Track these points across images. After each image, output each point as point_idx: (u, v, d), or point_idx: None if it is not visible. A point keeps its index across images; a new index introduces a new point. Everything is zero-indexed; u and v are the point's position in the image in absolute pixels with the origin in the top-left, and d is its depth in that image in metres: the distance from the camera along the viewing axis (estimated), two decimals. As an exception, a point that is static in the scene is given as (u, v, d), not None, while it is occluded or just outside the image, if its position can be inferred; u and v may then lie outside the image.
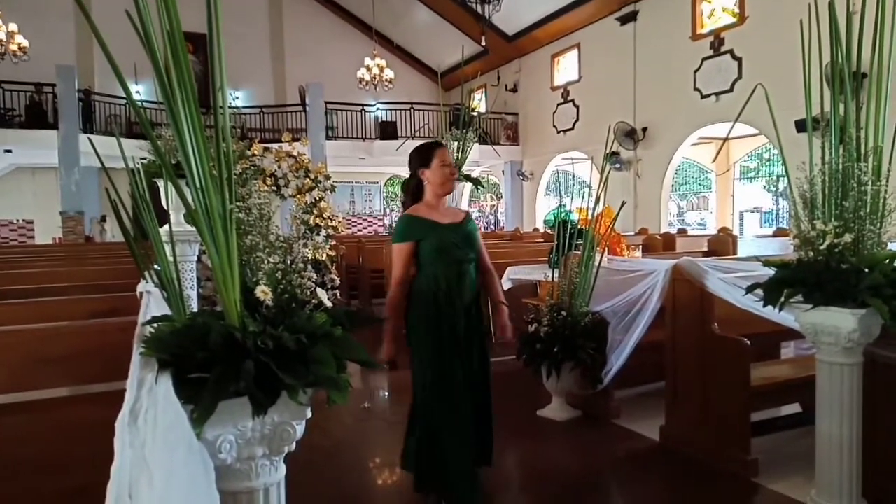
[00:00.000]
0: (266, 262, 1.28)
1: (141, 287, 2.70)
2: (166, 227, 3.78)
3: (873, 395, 2.56)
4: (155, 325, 1.41)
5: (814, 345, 2.56)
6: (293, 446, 1.41)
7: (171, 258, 1.68)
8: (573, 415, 4.21)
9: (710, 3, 11.42)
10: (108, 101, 14.30)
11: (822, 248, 2.39)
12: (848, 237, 2.37)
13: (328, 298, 1.40)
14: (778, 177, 13.27)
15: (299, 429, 1.39)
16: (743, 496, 3.06)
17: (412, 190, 2.96)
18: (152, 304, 2.02)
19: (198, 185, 1.29)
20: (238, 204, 1.31)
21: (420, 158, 2.91)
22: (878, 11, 2.43)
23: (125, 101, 13.46)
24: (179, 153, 1.30)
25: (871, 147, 2.48)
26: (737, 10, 10.80)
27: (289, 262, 1.33)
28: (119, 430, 0.77)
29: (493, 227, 19.76)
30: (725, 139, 12.36)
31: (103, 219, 14.29)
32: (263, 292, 1.26)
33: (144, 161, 3.37)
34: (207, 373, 1.24)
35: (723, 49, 10.96)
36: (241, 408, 1.28)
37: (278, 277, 1.30)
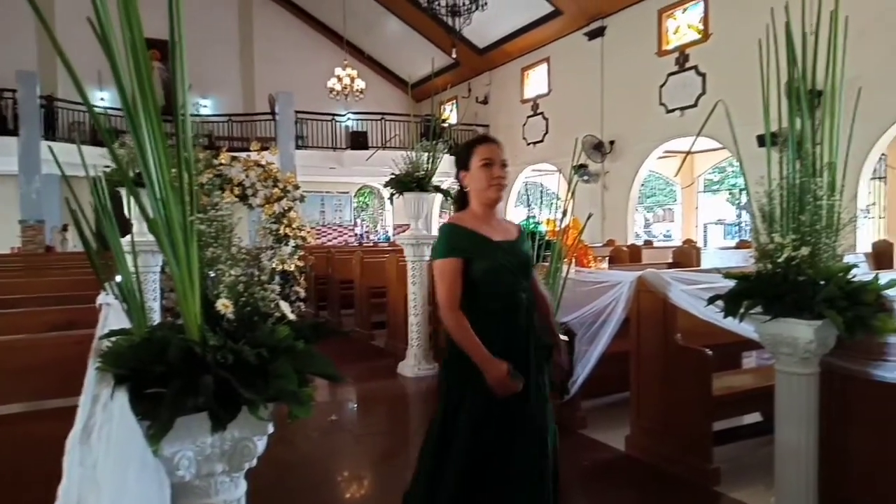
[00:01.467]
0: (228, 274, 1.26)
1: (100, 299, 2.63)
2: (129, 237, 3.71)
3: (830, 404, 2.62)
4: (112, 338, 1.38)
5: (773, 355, 2.62)
6: (254, 462, 1.39)
7: (132, 269, 1.65)
8: (541, 425, 4.22)
9: (675, 19, 11.70)
10: (72, 108, 13.98)
11: (780, 260, 2.46)
12: (805, 250, 2.43)
13: (292, 311, 1.39)
14: (740, 189, 13.59)
15: (260, 444, 1.37)
16: (705, 505, 3.11)
17: (458, 200, 2.42)
18: (111, 316, 1.97)
19: (158, 195, 1.27)
20: (199, 215, 1.29)
21: (459, 159, 2.37)
22: (832, 33, 2.52)
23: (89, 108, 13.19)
24: (139, 163, 1.28)
25: (826, 163, 2.57)
26: (701, 27, 11.08)
27: (252, 273, 1.31)
28: (69, 449, 0.75)
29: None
30: (687, 153, 12.65)
31: (65, 228, 13.93)
32: (224, 305, 1.24)
33: (108, 169, 3.30)
34: (166, 388, 1.22)
35: (687, 65, 11.23)
36: (200, 423, 1.25)
37: (240, 290, 1.28)
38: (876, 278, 2.51)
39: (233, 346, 1.21)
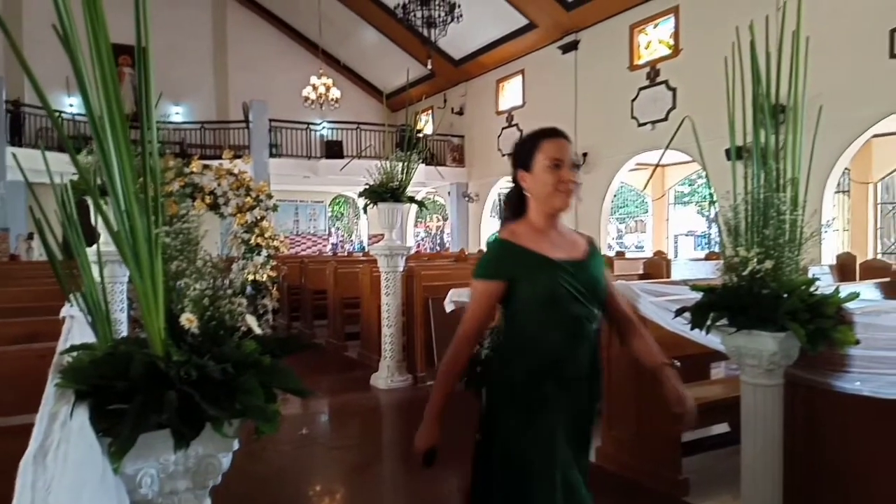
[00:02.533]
0: (192, 288, 1.25)
1: (64, 311, 2.58)
2: (96, 246, 3.63)
3: (794, 415, 2.68)
4: (74, 353, 1.35)
5: (738, 366, 2.67)
6: (219, 479, 1.37)
7: (98, 280, 1.62)
8: (513, 437, 4.22)
9: (646, 35, 11.93)
10: (39, 114, 13.70)
11: (744, 273, 2.51)
12: (768, 263, 2.49)
13: (259, 325, 1.37)
14: (710, 202, 13.85)
15: (225, 461, 1.35)
16: (675, 515, 3.15)
17: (513, 203, 1.98)
18: (75, 329, 1.93)
19: (122, 207, 1.25)
20: (165, 228, 1.27)
21: (518, 156, 1.94)
22: (794, 52, 2.60)
23: (58, 113, 12.93)
24: (103, 173, 1.26)
25: (790, 178, 2.63)
26: (672, 43, 11.32)
27: (218, 286, 1.30)
28: (22, 470, 0.73)
29: (438, 248, 19.82)
30: (655, 167, 12.86)
31: (30, 236, 13.60)
32: (188, 320, 1.22)
33: (75, 177, 3.24)
34: (128, 404, 1.20)
35: (658, 80, 11.44)
36: (164, 440, 1.23)
37: (205, 304, 1.27)
38: (836, 291, 2.57)
39: (197, 361, 1.19)
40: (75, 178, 3.19)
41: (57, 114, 12.97)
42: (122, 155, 1.27)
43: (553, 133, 1.91)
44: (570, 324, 1.83)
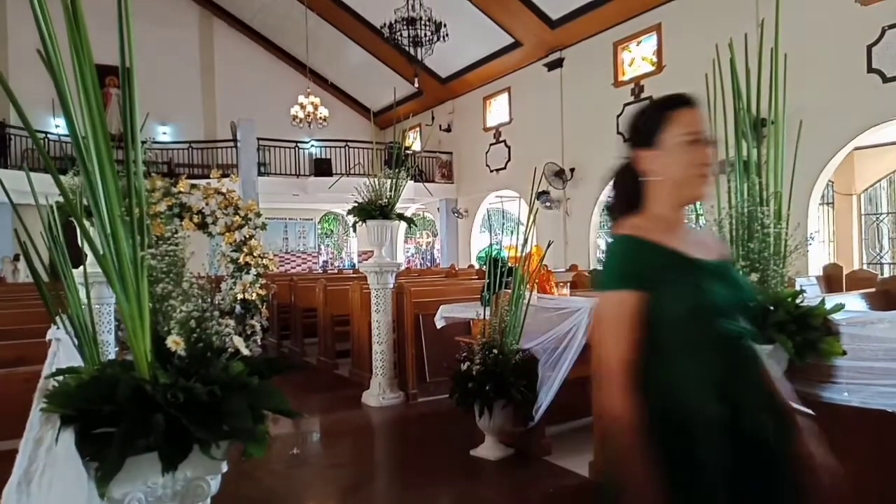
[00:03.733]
0: (178, 310, 1.24)
1: (50, 333, 2.55)
2: (88, 266, 3.61)
3: (783, 425, 2.69)
4: (59, 377, 1.34)
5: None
6: (207, 502, 1.36)
7: (85, 301, 1.61)
8: (506, 453, 4.21)
9: (630, 52, 12.09)
10: (25, 136, 13.62)
11: (731, 286, 2.53)
12: (754, 276, 2.52)
13: (247, 346, 1.37)
14: (696, 216, 13.94)
15: (214, 483, 1.34)
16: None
17: (627, 191, 1.58)
18: (61, 352, 1.91)
19: (107, 230, 1.25)
20: (151, 251, 1.27)
21: (639, 130, 1.55)
22: (773, 67, 2.65)
23: (44, 134, 12.88)
24: (87, 195, 1.26)
25: (773, 192, 2.67)
26: (655, 60, 11.47)
27: (205, 308, 1.29)
28: (5, 498, 0.72)
29: (429, 263, 19.81)
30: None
31: (16, 258, 13.47)
32: (175, 342, 1.22)
33: (61, 199, 3.22)
34: (115, 427, 1.19)
35: (643, 95, 11.58)
36: (151, 463, 1.22)
37: (192, 326, 1.26)
38: (822, 302, 2.60)
39: (184, 383, 1.19)
40: (61, 199, 3.18)
41: (42, 135, 12.91)
42: (107, 176, 1.27)
43: (687, 101, 1.50)
44: (724, 346, 1.36)
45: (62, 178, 1.96)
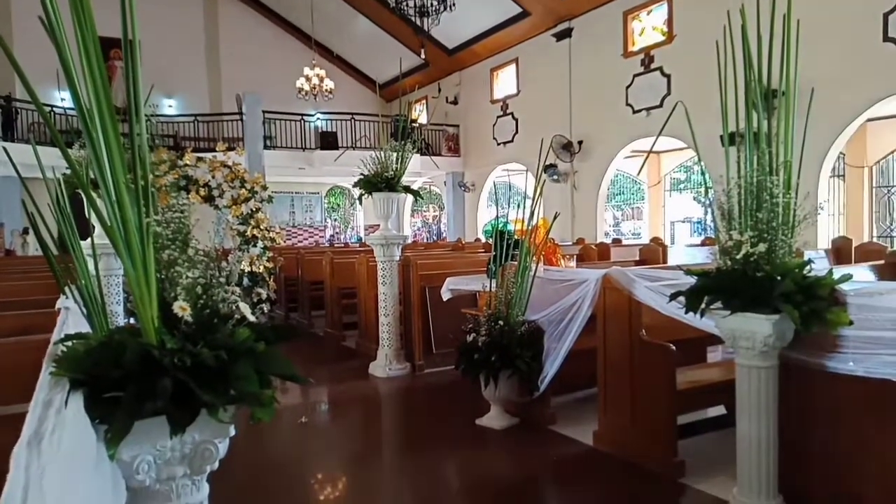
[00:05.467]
0: (185, 276, 1.25)
1: (60, 303, 2.58)
2: (96, 238, 3.63)
3: (788, 396, 2.70)
4: (68, 343, 1.36)
5: (733, 349, 2.69)
6: (216, 465, 1.38)
7: (93, 272, 1.63)
8: (511, 422, 4.26)
9: (640, 21, 11.87)
10: (32, 109, 13.60)
11: (738, 257, 2.52)
12: (762, 247, 2.50)
13: (253, 313, 1.38)
14: (707, 188, 13.85)
15: (222, 447, 1.36)
16: (670, 496, 3.17)
17: None
18: (70, 320, 1.94)
19: (113, 197, 1.25)
20: (156, 217, 1.27)
21: None
22: (785, 34, 2.59)
23: (49, 108, 12.85)
24: (93, 164, 1.26)
25: (782, 161, 2.64)
26: (665, 29, 11.27)
27: (211, 275, 1.30)
28: (15, 454, 0.74)
29: (435, 237, 19.82)
30: (648, 153, 12.84)
31: (25, 231, 13.57)
32: (182, 308, 1.23)
33: (68, 171, 3.23)
34: (123, 392, 1.21)
35: (653, 66, 11.40)
36: (159, 427, 1.24)
37: (198, 292, 1.27)
38: (830, 273, 2.59)
39: (191, 348, 1.20)
40: (68, 172, 3.19)
41: (48, 108, 12.89)
42: (112, 145, 1.27)
43: None
44: None
45: (71, 149, 1.95)
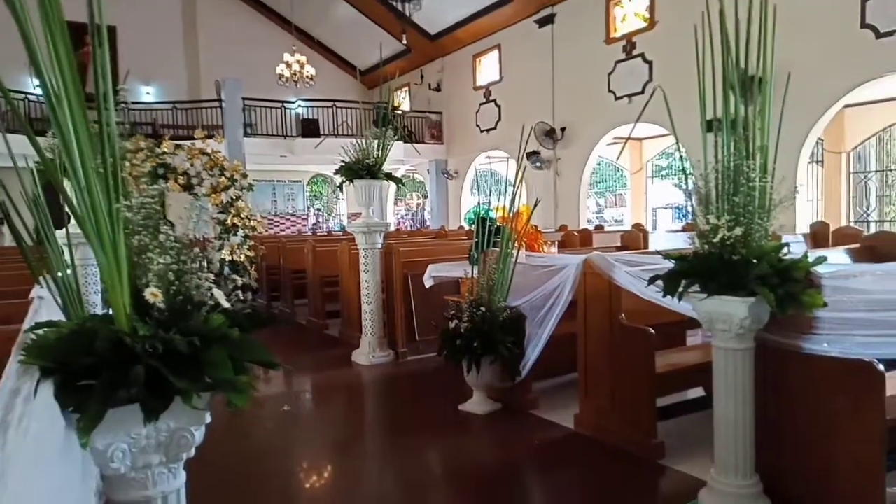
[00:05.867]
0: (156, 262, 1.23)
1: (34, 293, 2.54)
2: (70, 227, 3.56)
3: (764, 377, 2.74)
4: (39, 331, 1.34)
5: (710, 332, 2.72)
6: (192, 452, 1.37)
7: (69, 262, 1.60)
8: (493, 408, 4.28)
9: (622, 7, 11.87)
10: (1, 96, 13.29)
11: (715, 241, 2.55)
12: (738, 230, 2.52)
13: (228, 299, 1.37)
14: (684, 174, 13.94)
15: (198, 434, 1.35)
16: (649, 477, 3.22)
17: None
18: (43, 309, 1.91)
19: (82, 183, 1.23)
20: (126, 203, 1.25)
21: None
22: (762, 21, 2.61)
23: (23, 95, 12.59)
24: (61, 150, 1.23)
25: (759, 146, 2.66)
26: (647, 15, 11.28)
27: (182, 262, 1.28)
28: (-20, 443, 0.72)
29: (419, 225, 19.79)
30: (626, 140, 12.85)
31: (0, 221, 13.32)
32: (153, 294, 1.21)
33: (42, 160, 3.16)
34: (95, 380, 1.19)
35: (634, 52, 11.42)
36: (133, 415, 1.23)
37: (171, 279, 1.25)
38: (805, 256, 2.62)
39: (163, 335, 1.19)
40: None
41: (22, 96, 12.60)
42: (79, 129, 1.24)
43: None
44: None
45: (42, 139, 1.92)
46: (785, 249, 2.63)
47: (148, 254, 1.26)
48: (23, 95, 12.60)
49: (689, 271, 2.62)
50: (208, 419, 1.35)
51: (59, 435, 0.98)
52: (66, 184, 1.41)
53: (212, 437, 1.46)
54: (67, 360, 1.19)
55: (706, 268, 2.57)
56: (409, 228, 19.10)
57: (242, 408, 1.28)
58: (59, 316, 1.62)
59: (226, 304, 1.32)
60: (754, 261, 2.52)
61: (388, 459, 3.79)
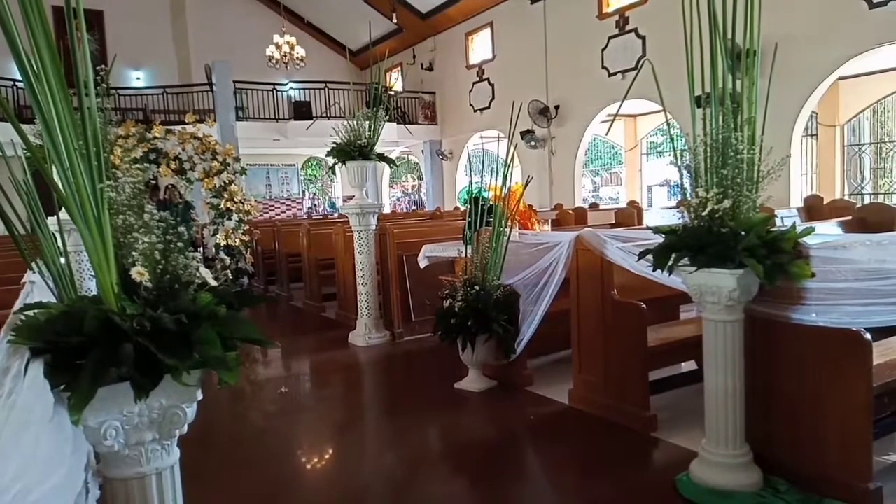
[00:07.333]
0: (141, 241, 1.24)
1: (26, 278, 2.55)
2: (62, 214, 3.56)
3: (754, 348, 2.77)
4: (28, 312, 1.35)
5: (700, 305, 2.74)
6: (185, 429, 1.39)
7: (60, 246, 1.61)
8: (489, 385, 4.32)
9: (614, -18, 11.75)
10: (-8, 84, 13.16)
11: (704, 213, 2.56)
12: (727, 203, 2.54)
13: (215, 278, 1.38)
14: (676, 149, 13.90)
15: (190, 411, 1.37)
16: (642, 449, 3.27)
17: None
18: (34, 292, 1.92)
19: (65, 164, 1.23)
20: (110, 182, 1.26)
21: None
22: (750, -9, 2.60)
23: (11, 82, 12.45)
24: (43, 132, 1.23)
25: (747, 118, 2.66)
26: (640, -10, 11.17)
27: (169, 240, 1.29)
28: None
29: (415, 207, 19.75)
30: (614, 116, 12.77)
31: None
32: (139, 273, 1.22)
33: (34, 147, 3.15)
34: (85, 359, 1.21)
35: (627, 28, 11.33)
36: (125, 393, 1.25)
37: (157, 258, 1.26)
38: (793, 226, 2.64)
39: (151, 313, 1.20)
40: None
41: (10, 83, 12.47)
42: (60, 110, 1.24)
43: None
44: None
45: (29, 126, 1.92)
46: (773, 221, 2.64)
47: (133, 233, 1.27)
48: (10, 83, 12.46)
49: (678, 245, 2.63)
50: (199, 396, 1.37)
51: (47, 408, 1.00)
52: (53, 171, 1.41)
53: (211, 419, 1.48)
54: (57, 340, 1.21)
55: (695, 241, 2.59)
56: (405, 210, 19.07)
57: (232, 384, 1.30)
58: (48, 297, 1.64)
59: (213, 283, 1.33)
60: (742, 233, 2.54)
61: (386, 438, 3.84)
